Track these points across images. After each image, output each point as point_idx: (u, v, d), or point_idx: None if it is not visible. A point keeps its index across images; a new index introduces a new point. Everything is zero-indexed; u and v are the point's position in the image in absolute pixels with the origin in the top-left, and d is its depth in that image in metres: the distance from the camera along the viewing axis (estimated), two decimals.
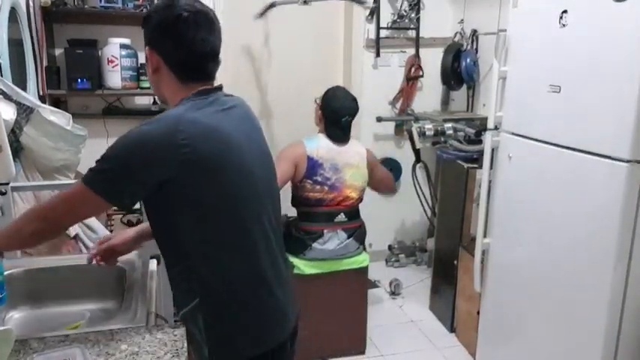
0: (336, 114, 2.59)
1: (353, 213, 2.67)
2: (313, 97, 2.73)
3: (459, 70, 3.45)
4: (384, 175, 2.89)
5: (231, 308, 1.28)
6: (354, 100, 2.67)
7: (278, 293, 1.34)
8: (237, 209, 1.25)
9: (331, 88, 2.71)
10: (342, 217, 2.61)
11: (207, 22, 1.27)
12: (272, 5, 3.29)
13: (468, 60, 3.39)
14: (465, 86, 3.59)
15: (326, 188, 2.56)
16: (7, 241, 1.28)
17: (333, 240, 2.59)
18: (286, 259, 1.46)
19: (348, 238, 2.62)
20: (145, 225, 1.43)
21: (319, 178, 2.54)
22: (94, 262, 1.44)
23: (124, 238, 1.46)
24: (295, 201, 2.65)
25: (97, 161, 1.17)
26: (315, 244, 2.57)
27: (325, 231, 2.58)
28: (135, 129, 1.18)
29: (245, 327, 1.29)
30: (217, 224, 1.24)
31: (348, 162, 2.60)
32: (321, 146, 2.57)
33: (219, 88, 1.33)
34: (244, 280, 1.28)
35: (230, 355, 1.29)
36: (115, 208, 1.34)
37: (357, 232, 2.67)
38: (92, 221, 2.44)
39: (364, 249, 2.77)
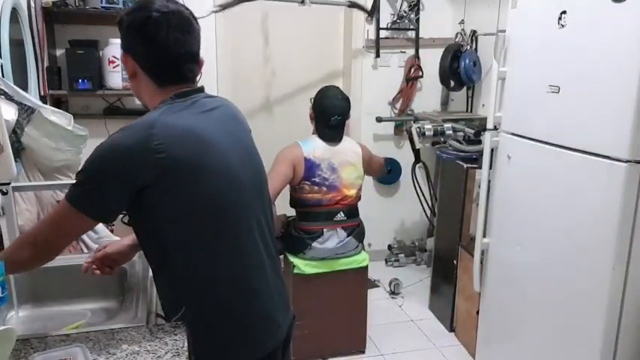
0: (325, 113, 2.58)
1: (352, 211, 2.67)
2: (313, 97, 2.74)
3: (459, 71, 3.45)
4: (378, 164, 2.89)
5: (217, 317, 1.25)
6: (345, 99, 2.64)
7: (267, 300, 1.31)
8: (221, 213, 1.22)
9: (324, 86, 2.70)
10: (341, 215, 2.62)
11: (182, 22, 1.22)
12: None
13: (467, 61, 3.38)
14: (464, 87, 3.59)
15: (324, 189, 2.56)
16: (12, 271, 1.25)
17: (333, 239, 2.60)
18: (277, 264, 1.41)
19: (348, 236, 2.63)
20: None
21: (317, 179, 2.54)
22: (90, 271, 1.41)
23: (119, 247, 1.43)
24: (293, 202, 2.65)
25: (76, 175, 1.16)
26: (314, 244, 2.58)
27: (325, 230, 2.59)
28: (108, 138, 1.15)
29: (233, 335, 1.26)
30: (201, 229, 1.20)
31: (345, 160, 2.60)
32: (316, 147, 2.56)
33: (200, 89, 1.29)
34: (230, 288, 1.25)
35: None
36: None
37: (356, 231, 2.67)
38: None
39: (363, 248, 2.78)
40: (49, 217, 1.23)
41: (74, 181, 1.16)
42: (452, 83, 3.57)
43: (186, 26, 1.23)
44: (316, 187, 2.55)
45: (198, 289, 1.23)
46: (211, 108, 1.28)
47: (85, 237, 2.36)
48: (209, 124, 1.24)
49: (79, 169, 1.16)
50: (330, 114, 2.57)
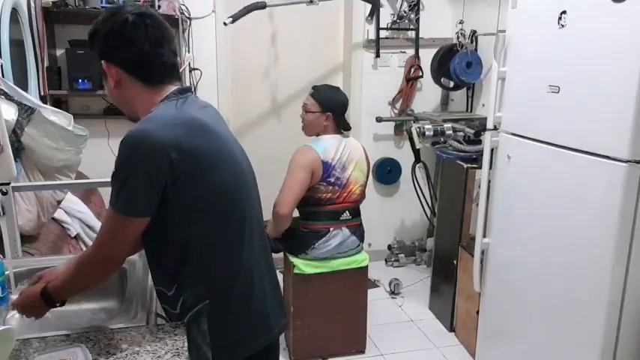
0: (344, 105, 2.65)
1: (356, 211, 2.68)
2: None
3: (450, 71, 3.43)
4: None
5: (236, 306, 1.29)
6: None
7: (268, 288, 1.37)
8: (234, 203, 1.27)
9: (325, 85, 2.71)
10: (346, 214, 2.62)
11: (156, 22, 1.25)
12: (258, 7, 3.08)
13: (457, 61, 3.35)
14: (461, 87, 3.58)
15: (337, 187, 2.56)
16: (81, 292, 1.31)
17: (337, 238, 2.60)
18: (272, 260, 1.46)
19: (351, 235, 2.64)
20: (73, 258, 1.39)
21: (332, 179, 2.54)
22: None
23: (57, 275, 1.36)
24: (301, 201, 2.62)
25: (112, 180, 1.15)
26: (318, 243, 2.58)
27: (331, 229, 2.59)
28: (133, 132, 1.15)
29: (246, 324, 1.31)
30: (220, 219, 1.25)
31: (352, 157, 2.60)
32: (328, 148, 2.55)
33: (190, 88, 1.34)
34: (246, 277, 1.30)
35: (235, 353, 1.30)
36: None
37: (358, 230, 2.69)
38: (92, 221, 2.45)
39: (362, 247, 2.78)
40: (103, 233, 1.20)
41: (113, 189, 1.15)
42: (449, 83, 3.57)
43: (161, 25, 1.26)
44: (330, 187, 2.55)
45: (220, 279, 1.27)
46: (205, 106, 1.34)
47: (85, 237, 2.36)
48: (211, 119, 1.29)
49: (113, 173, 1.15)
50: (346, 105, 2.66)
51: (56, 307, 1.26)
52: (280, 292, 1.48)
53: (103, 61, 1.24)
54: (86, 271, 1.22)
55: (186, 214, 1.21)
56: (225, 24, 3.03)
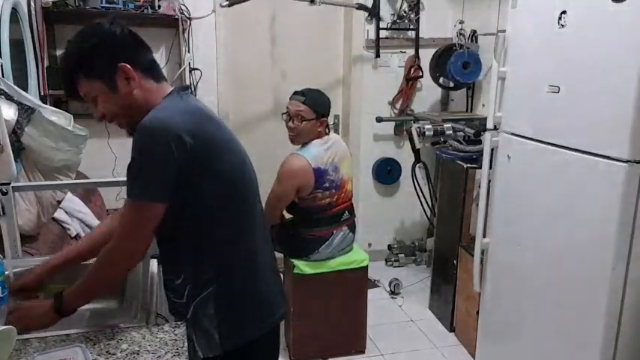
0: (330, 106, 2.62)
1: (352, 207, 2.69)
2: None
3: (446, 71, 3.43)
4: None
5: (242, 289, 1.33)
6: None
7: (270, 275, 1.42)
8: (241, 189, 1.33)
9: (311, 92, 2.56)
10: (346, 214, 2.62)
11: None
12: None
13: (453, 61, 3.35)
14: (466, 86, 3.58)
15: (333, 191, 2.54)
16: (99, 293, 1.33)
17: (338, 238, 2.61)
18: (272, 247, 1.51)
19: (349, 232, 2.65)
20: (73, 248, 1.48)
21: (327, 184, 2.52)
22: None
23: (34, 276, 1.42)
24: (299, 210, 2.59)
25: (129, 169, 1.18)
26: (322, 247, 2.58)
27: (334, 232, 2.59)
28: (147, 121, 1.18)
29: (251, 307, 1.35)
30: (230, 205, 1.30)
31: (340, 155, 2.58)
32: (318, 153, 2.51)
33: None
34: (250, 262, 1.35)
35: (240, 336, 1.33)
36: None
37: (354, 225, 2.70)
38: (92, 221, 2.45)
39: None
40: (123, 224, 1.22)
41: (130, 177, 1.18)
42: (448, 83, 3.57)
43: None
44: (328, 192, 2.53)
45: (231, 264, 1.31)
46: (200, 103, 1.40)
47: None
48: (211, 113, 1.36)
49: (130, 163, 1.18)
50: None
51: (66, 315, 1.25)
52: (281, 280, 1.53)
53: (124, 64, 1.24)
54: (106, 266, 1.23)
55: (197, 200, 1.24)
56: (221, 5, 3.04)
